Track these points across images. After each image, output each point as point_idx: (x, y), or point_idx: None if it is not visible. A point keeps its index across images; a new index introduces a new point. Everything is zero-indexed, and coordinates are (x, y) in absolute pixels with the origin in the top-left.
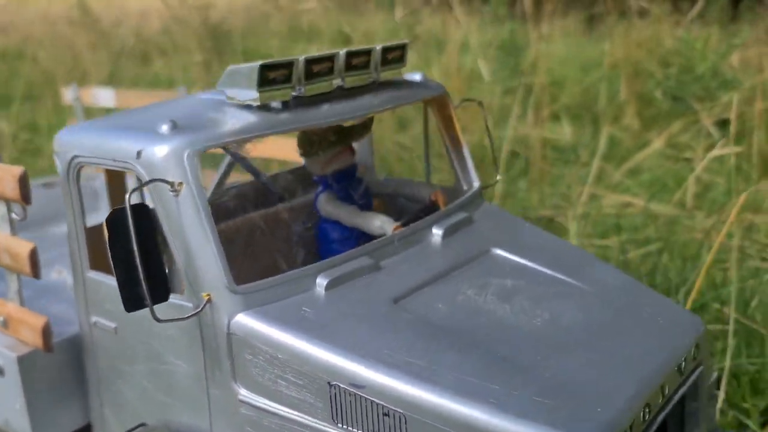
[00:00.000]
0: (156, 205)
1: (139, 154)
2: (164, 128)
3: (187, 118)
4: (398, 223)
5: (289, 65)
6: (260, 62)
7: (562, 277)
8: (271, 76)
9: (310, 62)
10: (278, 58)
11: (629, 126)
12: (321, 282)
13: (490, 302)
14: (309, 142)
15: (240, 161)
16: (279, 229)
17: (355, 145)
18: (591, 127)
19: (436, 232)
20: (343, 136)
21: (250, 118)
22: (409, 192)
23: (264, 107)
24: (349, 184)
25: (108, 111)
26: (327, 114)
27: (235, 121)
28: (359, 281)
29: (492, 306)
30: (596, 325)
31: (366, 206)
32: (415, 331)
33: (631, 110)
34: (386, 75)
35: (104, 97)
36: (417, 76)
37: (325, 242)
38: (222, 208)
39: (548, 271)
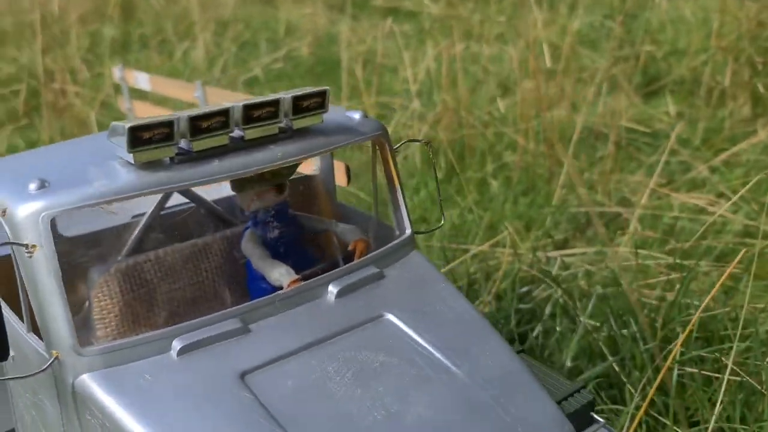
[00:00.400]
0: (18, 262)
1: (3, 212)
2: (32, 187)
3: (64, 172)
4: (297, 277)
5: (168, 124)
6: (130, 124)
7: (441, 357)
8: (145, 136)
9: (195, 119)
10: (154, 117)
11: (736, 110)
12: (175, 346)
13: (343, 384)
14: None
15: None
16: (210, 260)
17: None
18: (702, 109)
19: (332, 290)
20: (267, 175)
21: (128, 176)
22: (339, 232)
23: (148, 163)
24: (275, 224)
25: (144, 94)
26: (217, 170)
27: (109, 180)
28: (217, 348)
29: (343, 390)
30: (441, 428)
31: (292, 248)
32: (242, 416)
33: (744, 92)
34: (305, 122)
35: (141, 80)
36: (356, 115)
37: (252, 279)
38: (153, 236)
39: (430, 348)
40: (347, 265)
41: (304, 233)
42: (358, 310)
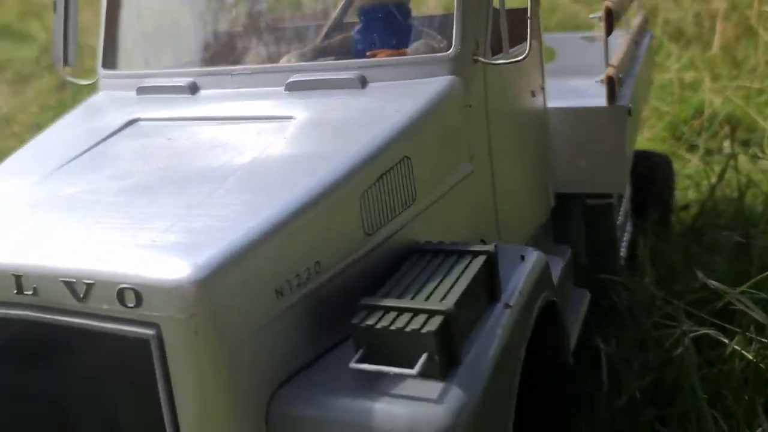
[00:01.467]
0: None
1: None
2: None
3: None
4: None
5: None
6: None
7: (236, 178)
8: None
9: None
10: None
11: None
12: (135, 86)
13: (160, 159)
14: None
15: None
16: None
17: None
18: None
19: (288, 81)
20: None
21: None
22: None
23: None
24: (362, 21)
25: None
26: None
27: None
28: (160, 98)
29: (143, 164)
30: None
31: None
32: (79, 138)
33: None
34: None
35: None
36: None
37: None
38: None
39: (249, 163)
40: (329, 62)
41: (384, 35)
42: (284, 105)
